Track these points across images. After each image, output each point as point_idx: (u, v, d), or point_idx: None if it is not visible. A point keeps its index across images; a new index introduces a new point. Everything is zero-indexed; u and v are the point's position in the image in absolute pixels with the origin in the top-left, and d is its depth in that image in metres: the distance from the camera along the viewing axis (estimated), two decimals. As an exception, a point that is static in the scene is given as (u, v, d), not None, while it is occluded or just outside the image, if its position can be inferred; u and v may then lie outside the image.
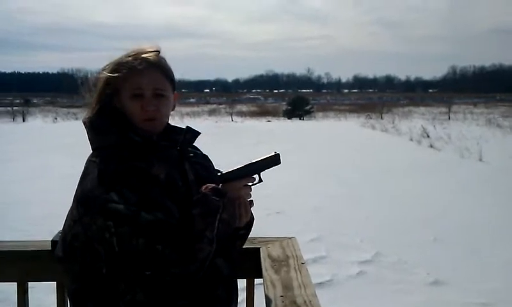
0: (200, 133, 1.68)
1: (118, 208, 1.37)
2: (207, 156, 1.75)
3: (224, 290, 1.62)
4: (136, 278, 1.43)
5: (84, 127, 1.59)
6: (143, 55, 1.56)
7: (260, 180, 1.63)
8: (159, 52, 1.60)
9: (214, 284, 1.57)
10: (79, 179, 1.51)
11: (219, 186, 1.55)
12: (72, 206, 1.49)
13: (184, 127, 1.67)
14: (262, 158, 1.64)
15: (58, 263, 1.53)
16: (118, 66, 1.55)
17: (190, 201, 1.50)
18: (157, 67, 1.58)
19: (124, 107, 1.55)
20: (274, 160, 1.66)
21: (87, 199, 1.42)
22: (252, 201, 1.64)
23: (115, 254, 1.37)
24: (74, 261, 1.46)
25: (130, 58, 1.55)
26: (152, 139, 1.55)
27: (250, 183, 1.61)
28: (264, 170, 1.64)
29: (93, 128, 1.56)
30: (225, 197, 1.51)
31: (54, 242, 1.90)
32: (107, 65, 1.58)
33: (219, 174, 1.60)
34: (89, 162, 1.51)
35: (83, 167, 1.53)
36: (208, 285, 1.55)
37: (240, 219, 1.58)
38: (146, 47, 1.60)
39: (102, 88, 1.57)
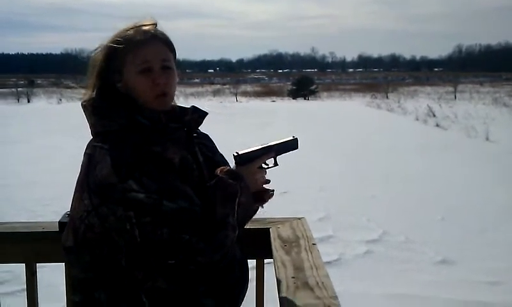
0: (207, 113, 1.62)
1: (138, 197, 1.29)
2: (207, 135, 1.68)
3: (240, 271, 1.60)
4: (157, 267, 1.37)
5: (83, 110, 1.49)
6: (144, 28, 1.48)
7: (276, 164, 1.58)
8: (156, 24, 1.52)
9: (232, 267, 1.55)
10: (82, 166, 1.43)
11: (234, 166, 1.51)
12: (78, 195, 1.40)
13: (189, 107, 1.60)
14: (279, 141, 1.60)
15: (65, 252, 1.46)
16: (119, 41, 1.45)
17: (204, 185, 1.46)
18: (160, 38, 1.49)
19: (130, 86, 1.45)
20: (291, 145, 1.62)
21: (102, 189, 1.33)
22: (269, 180, 1.59)
23: (137, 244, 1.32)
24: (86, 252, 1.39)
25: (130, 31, 1.46)
26: (160, 121, 1.46)
27: (265, 166, 1.56)
28: (280, 154, 1.60)
29: (96, 111, 1.45)
30: (242, 181, 1.46)
31: (61, 223, 1.89)
32: (103, 45, 1.49)
33: (234, 154, 1.53)
34: (94, 147, 1.41)
35: (85, 154, 1.44)
36: (227, 269, 1.52)
37: (256, 202, 1.55)
38: (143, 20, 1.51)
39: (101, 67, 1.48)
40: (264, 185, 1.57)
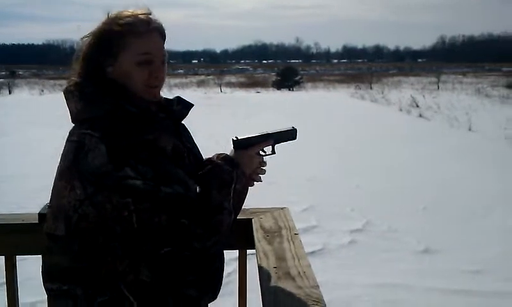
0: (193, 105, 1.61)
1: (135, 184, 1.28)
2: (184, 125, 1.66)
3: (219, 261, 1.61)
4: (148, 255, 1.37)
5: (66, 96, 1.44)
6: (145, 18, 1.44)
7: (273, 152, 1.60)
8: (151, 14, 1.48)
9: (214, 257, 1.56)
10: (67, 153, 1.38)
11: (232, 151, 1.53)
12: (66, 184, 1.36)
13: (174, 97, 1.60)
14: (278, 130, 1.62)
15: (51, 240, 1.42)
16: (117, 25, 1.41)
17: (194, 172, 1.47)
18: (159, 31, 1.47)
19: (123, 73, 1.42)
20: (290, 135, 1.64)
21: (97, 177, 1.30)
22: (264, 170, 1.61)
23: (133, 231, 1.31)
24: (76, 242, 1.37)
25: (130, 18, 1.42)
26: (149, 110, 1.45)
27: (263, 154, 1.58)
28: (279, 143, 1.62)
29: (83, 96, 1.41)
30: (238, 168, 1.48)
31: (41, 215, 1.86)
32: (97, 28, 1.44)
33: (234, 138, 1.54)
34: (82, 135, 1.36)
35: (70, 141, 1.39)
36: (209, 259, 1.53)
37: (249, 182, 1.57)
38: (139, 8, 1.46)
39: (92, 48, 1.43)
40: (258, 174, 1.60)
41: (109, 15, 1.44)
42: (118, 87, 1.42)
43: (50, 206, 1.45)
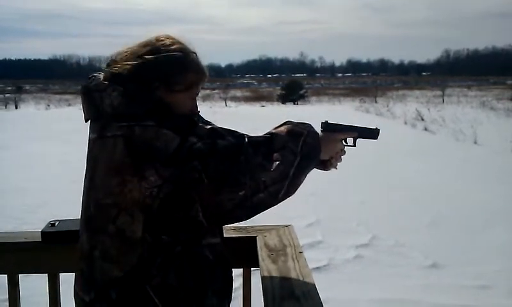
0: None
1: (197, 147, 1.36)
2: None
3: (231, 271, 1.63)
4: (174, 258, 1.39)
5: (99, 89, 1.40)
6: (200, 59, 1.54)
7: (354, 145, 1.71)
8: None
9: (230, 264, 1.60)
10: (112, 149, 1.36)
11: (319, 133, 1.60)
12: (129, 177, 1.35)
13: None
14: (364, 126, 1.72)
15: (123, 245, 1.40)
16: (200, 69, 1.53)
17: None
18: None
19: (176, 101, 1.45)
20: (373, 134, 1.74)
21: (171, 158, 1.34)
22: (341, 159, 1.71)
23: (205, 189, 1.36)
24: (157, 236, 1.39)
25: (194, 55, 1.51)
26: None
27: (344, 143, 1.67)
28: (361, 138, 1.71)
29: (127, 93, 1.38)
30: (310, 127, 1.55)
31: (44, 234, 1.86)
32: (159, 52, 1.45)
33: (322, 121, 1.65)
34: (129, 128, 1.34)
35: (112, 136, 1.36)
36: (228, 266, 1.57)
37: (327, 165, 1.67)
38: (188, 42, 1.53)
39: (147, 72, 1.42)
40: (336, 160, 1.68)
41: (169, 41, 1.48)
42: (164, 105, 1.44)
43: (103, 204, 1.41)
